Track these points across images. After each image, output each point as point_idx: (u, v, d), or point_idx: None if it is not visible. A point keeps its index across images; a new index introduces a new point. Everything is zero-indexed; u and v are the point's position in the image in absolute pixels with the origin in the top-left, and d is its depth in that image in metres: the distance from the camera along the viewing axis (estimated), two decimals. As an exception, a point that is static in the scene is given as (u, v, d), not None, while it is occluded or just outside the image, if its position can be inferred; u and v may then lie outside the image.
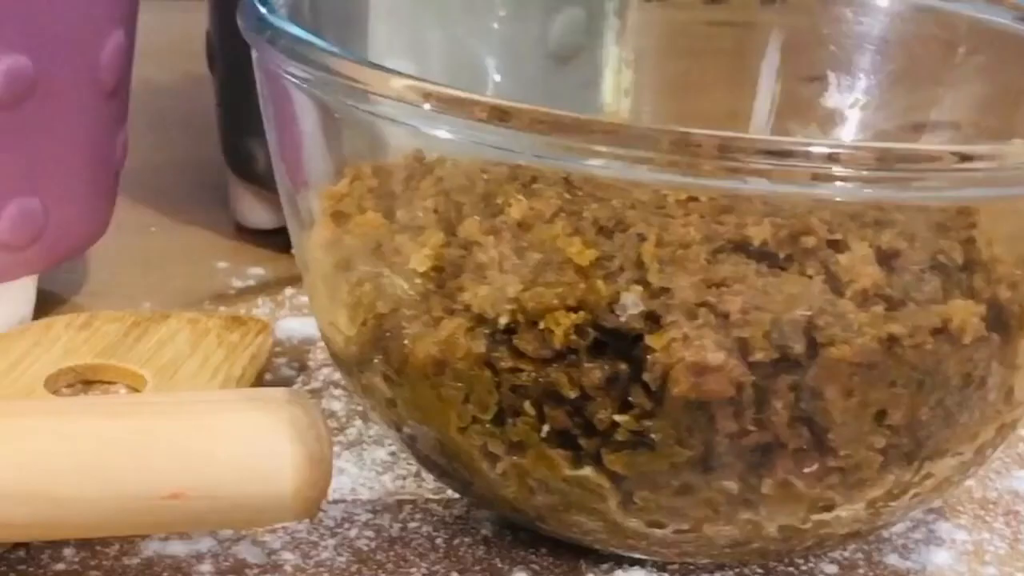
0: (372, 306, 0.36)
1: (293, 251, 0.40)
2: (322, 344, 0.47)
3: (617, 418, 0.33)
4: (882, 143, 0.40)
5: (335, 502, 0.40)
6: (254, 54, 0.37)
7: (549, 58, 0.49)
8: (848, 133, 0.44)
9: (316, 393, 0.45)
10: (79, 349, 0.44)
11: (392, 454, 0.42)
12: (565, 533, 0.36)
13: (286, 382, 0.45)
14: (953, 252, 0.34)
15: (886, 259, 0.34)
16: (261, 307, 0.50)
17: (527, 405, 0.33)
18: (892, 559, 0.39)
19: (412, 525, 0.39)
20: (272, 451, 0.34)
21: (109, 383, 0.44)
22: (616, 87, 0.47)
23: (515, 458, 0.34)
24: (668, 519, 0.34)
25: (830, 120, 0.44)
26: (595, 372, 0.32)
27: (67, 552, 0.37)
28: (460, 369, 0.33)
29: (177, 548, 0.38)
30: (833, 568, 0.39)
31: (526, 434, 0.34)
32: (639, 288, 0.32)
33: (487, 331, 0.33)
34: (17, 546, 0.37)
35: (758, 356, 0.32)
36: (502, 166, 0.38)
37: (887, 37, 0.44)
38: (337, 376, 0.45)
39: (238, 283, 0.52)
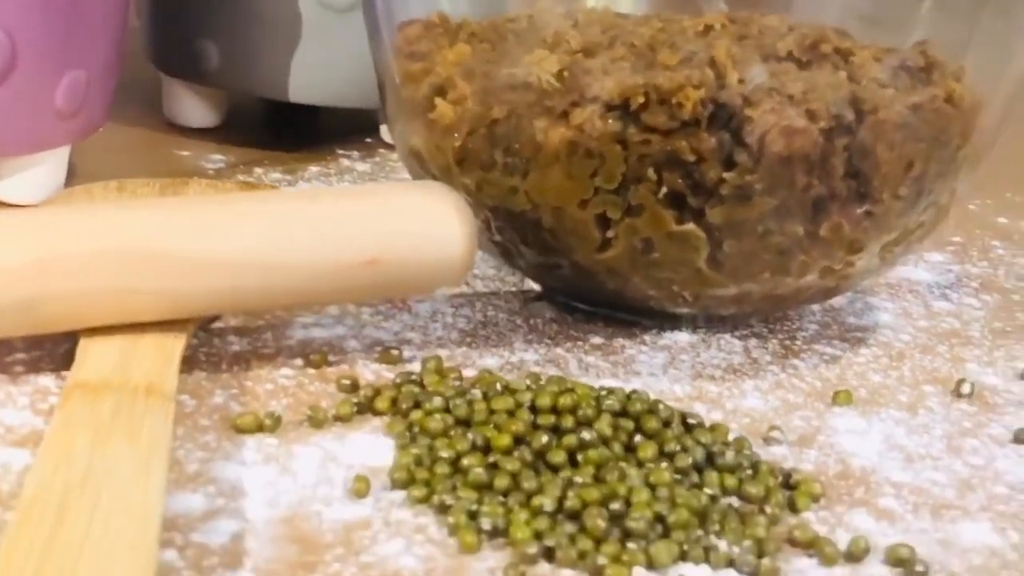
0: (482, 117, 0.43)
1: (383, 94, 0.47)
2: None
3: (725, 175, 0.42)
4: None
5: (419, 301, 0.47)
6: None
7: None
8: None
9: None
10: (133, 205, 0.49)
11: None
12: (633, 296, 0.45)
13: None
14: (916, 58, 0.46)
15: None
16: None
17: (650, 172, 0.42)
18: (852, 320, 0.50)
19: (490, 314, 0.47)
20: (446, 225, 0.42)
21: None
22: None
23: (629, 220, 0.43)
24: (743, 265, 0.44)
25: None
26: (710, 139, 0.42)
27: (231, 338, 0.43)
28: (592, 148, 0.42)
29: (319, 332, 0.44)
30: (815, 326, 0.49)
31: (644, 197, 0.42)
32: (760, 68, 0.41)
33: (618, 113, 0.42)
34: (202, 328, 0.42)
35: (822, 124, 0.42)
36: (520, 20, 0.47)
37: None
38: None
39: (210, 166, 0.57)
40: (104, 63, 0.51)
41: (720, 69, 0.42)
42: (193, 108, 0.60)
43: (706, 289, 0.45)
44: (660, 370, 0.44)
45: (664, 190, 0.42)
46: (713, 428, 0.40)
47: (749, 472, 0.38)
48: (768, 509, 0.37)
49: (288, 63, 0.57)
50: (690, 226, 0.43)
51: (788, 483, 0.39)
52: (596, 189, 0.43)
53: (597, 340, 0.46)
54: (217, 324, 0.44)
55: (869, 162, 0.43)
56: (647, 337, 0.46)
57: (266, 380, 0.41)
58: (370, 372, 0.42)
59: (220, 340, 0.43)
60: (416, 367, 0.42)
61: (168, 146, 0.59)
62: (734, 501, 0.38)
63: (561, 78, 0.42)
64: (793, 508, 0.38)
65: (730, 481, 0.38)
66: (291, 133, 0.61)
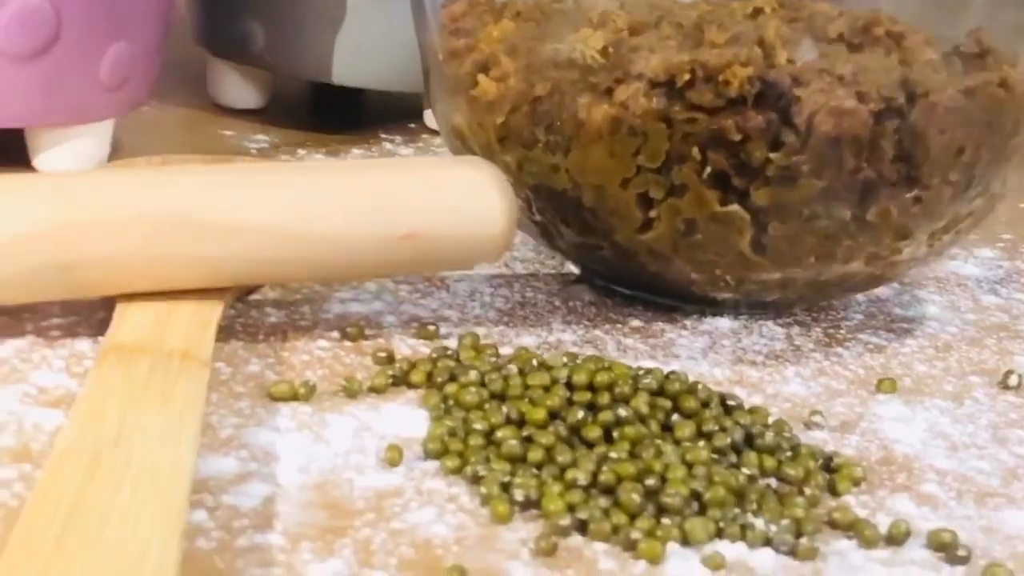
0: (525, 94, 0.43)
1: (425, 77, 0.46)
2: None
3: (771, 155, 0.41)
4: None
5: (457, 280, 0.47)
6: None
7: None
8: None
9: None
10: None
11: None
12: (674, 279, 0.44)
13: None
14: (970, 44, 0.45)
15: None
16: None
17: (694, 151, 0.41)
18: (898, 311, 0.49)
19: (528, 295, 0.47)
20: (486, 200, 0.41)
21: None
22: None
23: (672, 200, 0.42)
24: (788, 248, 0.43)
25: None
26: (757, 118, 0.41)
27: (269, 310, 0.43)
28: (636, 125, 0.41)
29: (357, 307, 0.44)
30: (860, 316, 0.48)
31: (688, 177, 0.42)
32: (810, 45, 0.41)
33: (663, 91, 0.41)
34: (239, 300, 0.42)
35: (872, 106, 0.42)
36: (566, 1, 0.46)
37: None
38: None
39: (253, 146, 0.57)
40: (150, 37, 0.50)
41: (768, 48, 0.42)
42: (238, 89, 0.60)
43: (749, 273, 0.44)
44: (700, 354, 0.44)
45: (708, 170, 0.42)
46: (753, 411, 0.40)
47: (788, 454, 0.38)
48: (807, 490, 0.36)
49: (332, 45, 0.57)
50: (734, 207, 0.42)
51: (828, 466, 0.38)
52: (638, 168, 0.42)
53: (636, 323, 0.45)
54: (255, 296, 0.43)
55: (919, 146, 0.42)
56: (687, 322, 0.46)
57: (302, 351, 0.41)
58: (406, 347, 0.42)
59: (257, 311, 0.42)
60: (453, 343, 0.42)
61: (213, 126, 0.58)
62: (772, 483, 0.37)
63: (606, 54, 0.42)
64: (833, 491, 0.37)
65: (769, 462, 0.37)
66: (335, 116, 0.61)
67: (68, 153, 0.50)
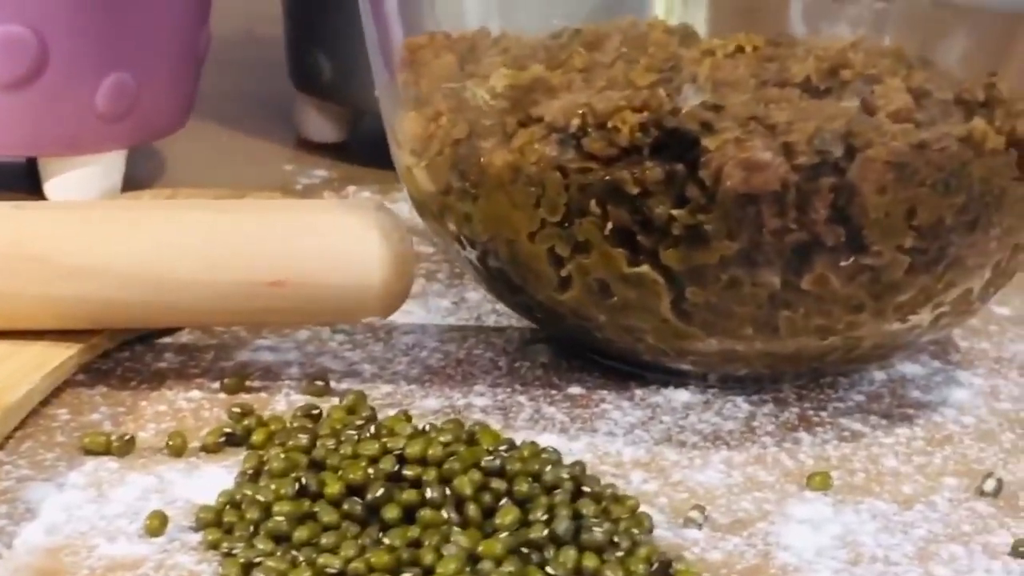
0: (447, 136, 0.40)
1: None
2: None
3: (674, 212, 0.36)
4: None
5: (406, 332, 0.44)
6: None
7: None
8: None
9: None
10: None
11: (455, 303, 0.46)
12: (621, 343, 0.40)
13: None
14: (976, 90, 0.38)
15: (916, 95, 0.38)
16: (326, 199, 0.54)
17: (593, 204, 0.37)
18: (915, 394, 0.43)
19: (476, 352, 0.43)
20: (363, 247, 0.38)
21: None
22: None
23: (580, 258, 0.38)
24: (715, 318, 0.38)
25: None
26: (656, 170, 0.36)
27: (168, 355, 0.41)
28: (532, 174, 0.37)
29: (266, 356, 0.41)
30: (860, 397, 0.42)
31: (591, 233, 0.37)
32: (696, 85, 0.36)
33: (559, 137, 0.37)
34: (139, 340, 0.40)
35: (801, 160, 0.36)
36: (562, 37, 0.42)
37: None
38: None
39: (304, 180, 0.56)
40: (158, 70, 0.50)
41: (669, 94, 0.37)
42: (315, 122, 0.59)
43: (683, 343, 0.39)
44: (623, 430, 0.39)
45: (610, 226, 0.37)
46: (619, 500, 0.35)
47: (621, 553, 0.33)
48: (607, 599, 0.32)
49: (389, 78, 0.54)
50: (644, 268, 0.37)
51: (667, 571, 0.33)
52: (543, 221, 0.38)
53: (576, 390, 0.41)
54: (164, 340, 0.42)
55: (856, 206, 0.36)
56: (640, 392, 0.41)
57: (165, 401, 0.39)
58: (285, 403, 0.39)
59: (153, 355, 0.41)
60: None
61: (278, 159, 0.57)
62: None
63: (496, 96, 0.38)
64: (654, 602, 0.32)
65: (589, 561, 0.33)
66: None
67: (76, 182, 0.49)
